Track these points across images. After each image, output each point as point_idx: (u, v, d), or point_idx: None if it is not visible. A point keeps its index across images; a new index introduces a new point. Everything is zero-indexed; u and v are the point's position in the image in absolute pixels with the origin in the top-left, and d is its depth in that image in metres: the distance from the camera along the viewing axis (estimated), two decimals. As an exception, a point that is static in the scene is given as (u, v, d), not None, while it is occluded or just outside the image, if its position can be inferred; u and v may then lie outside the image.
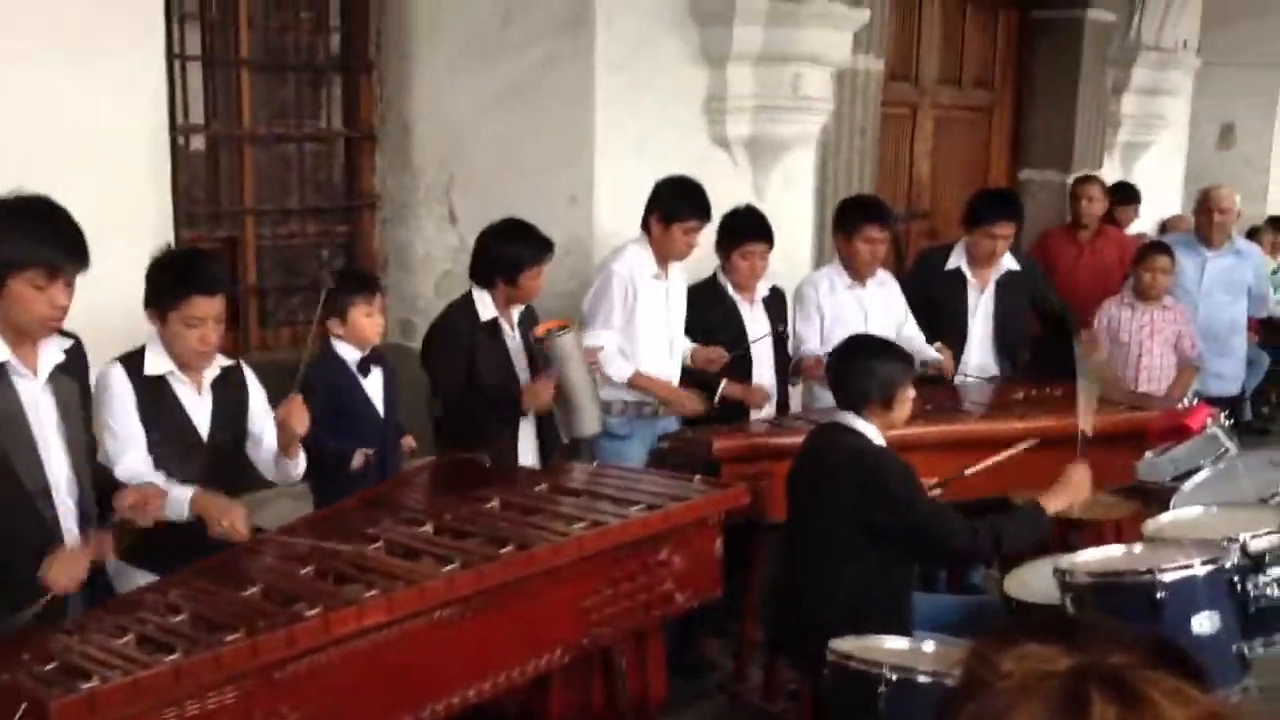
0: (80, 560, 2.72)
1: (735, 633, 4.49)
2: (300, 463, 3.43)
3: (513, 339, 4.15)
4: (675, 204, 4.40)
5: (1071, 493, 3.50)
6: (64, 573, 2.68)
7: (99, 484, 2.97)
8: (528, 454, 4.14)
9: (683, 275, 4.63)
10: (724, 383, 4.55)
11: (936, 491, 3.65)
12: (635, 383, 4.44)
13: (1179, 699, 1.02)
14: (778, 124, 5.45)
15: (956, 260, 5.28)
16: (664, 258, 4.48)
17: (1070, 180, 6.85)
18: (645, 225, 4.47)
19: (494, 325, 4.10)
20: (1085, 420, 3.73)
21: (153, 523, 2.94)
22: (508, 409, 4.04)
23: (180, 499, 3.08)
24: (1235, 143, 9.90)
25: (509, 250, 4.04)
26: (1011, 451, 3.80)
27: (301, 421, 3.28)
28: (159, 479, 3.10)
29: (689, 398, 4.50)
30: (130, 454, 3.16)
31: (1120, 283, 6.02)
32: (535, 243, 4.06)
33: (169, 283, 3.19)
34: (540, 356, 4.08)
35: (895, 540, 3.43)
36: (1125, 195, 7.56)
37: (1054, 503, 3.47)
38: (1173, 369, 5.60)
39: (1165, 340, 5.58)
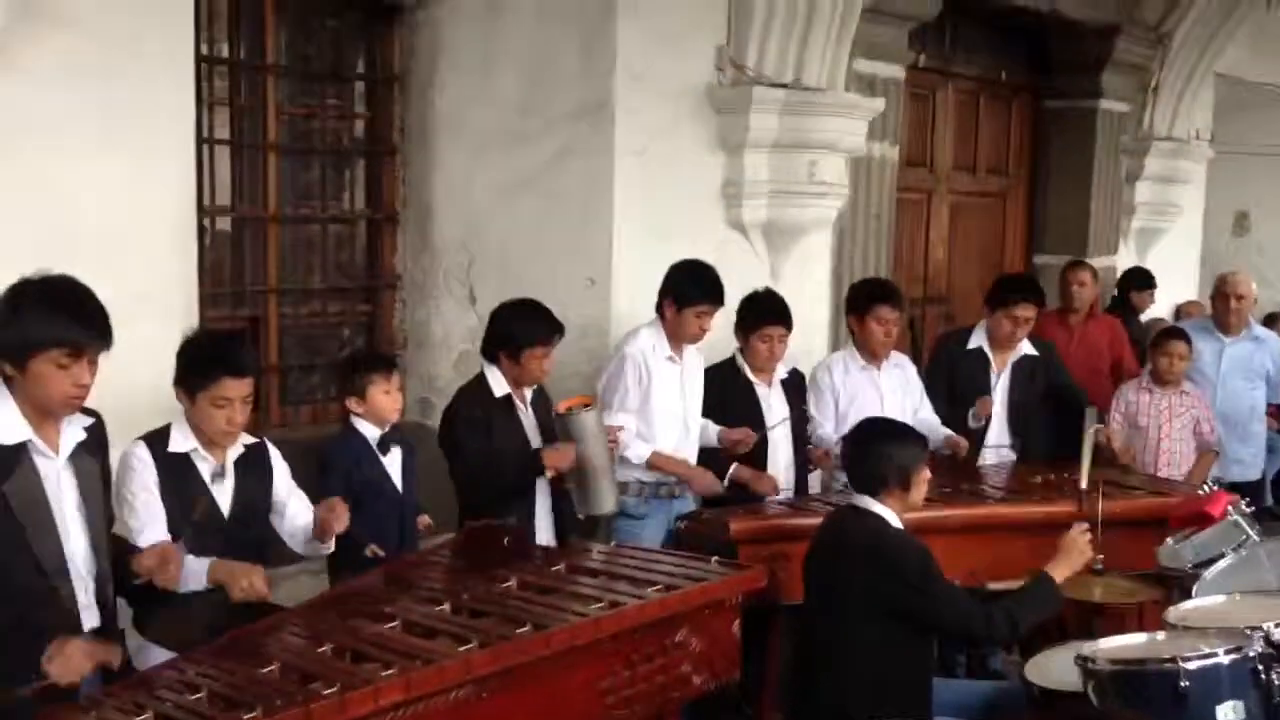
0: (82, 656, 2.66)
1: (753, 716, 4.43)
2: (330, 544, 3.48)
3: (527, 416, 4.17)
4: (687, 288, 4.44)
5: (1075, 555, 3.49)
6: (65, 666, 2.63)
7: (116, 555, 2.98)
8: (543, 531, 4.13)
9: (699, 357, 4.66)
10: (734, 466, 4.56)
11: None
12: (654, 463, 4.45)
13: None
14: (794, 209, 5.53)
15: (978, 341, 5.33)
16: (677, 340, 4.51)
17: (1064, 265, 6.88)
18: (659, 309, 4.51)
19: (508, 402, 4.12)
20: (1085, 478, 3.77)
21: (174, 583, 2.96)
22: (527, 472, 4.04)
23: (198, 569, 3.11)
24: (1249, 230, 9.97)
25: (516, 327, 4.08)
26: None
27: (341, 521, 3.38)
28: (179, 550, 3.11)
29: (710, 477, 4.50)
30: (150, 530, 3.18)
31: (1111, 366, 6.16)
32: (543, 323, 4.08)
33: (199, 364, 3.25)
34: (561, 433, 4.10)
35: (913, 623, 3.41)
36: (1141, 280, 7.61)
37: (1060, 569, 3.46)
38: (1192, 454, 5.61)
39: (1184, 425, 5.60)
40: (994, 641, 4.22)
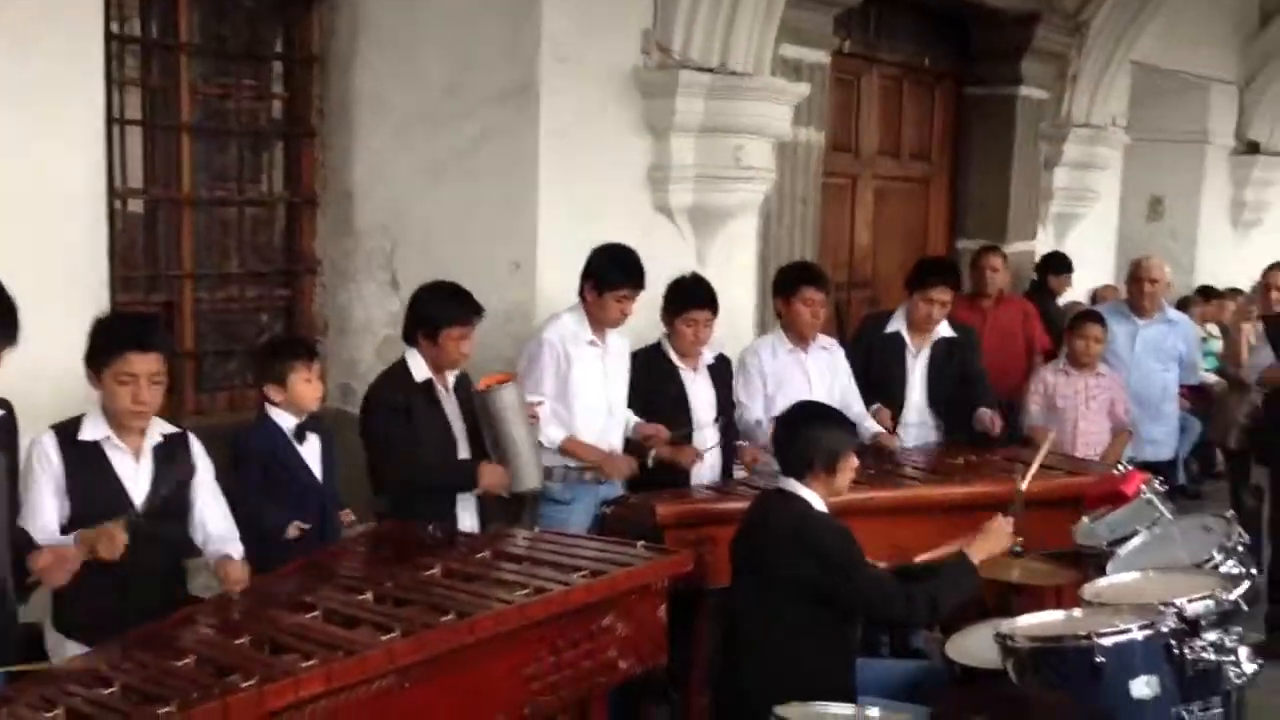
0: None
1: (680, 700, 4.44)
2: (236, 551, 3.36)
3: (449, 402, 4.12)
4: (608, 272, 4.41)
5: (995, 539, 3.54)
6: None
7: (18, 546, 2.90)
8: (466, 516, 4.10)
9: (624, 341, 4.64)
10: (656, 451, 4.54)
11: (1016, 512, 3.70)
12: (566, 448, 4.42)
13: None
14: (720, 193, 5.53)
15: (896, 325, 5.39)
16: (599, 325, 4.49)
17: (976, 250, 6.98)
18: (580, 292, 4.48)
19: (429, 387, 4.07)
20: (1024, 480, 3.84)
21: (58, 583, 2.90)
22: (460, 479, 4.01)
23: (66, 542, 3.01)
24: (1163, 215, 10.19)
25: (434, 308, 4.03)
26: (1041, 453, 4.02)
27: (241, 579, 3.23)
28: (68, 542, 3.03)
29: (622, 461, 4.48)
30: (35, 524, 3.10)
31: (1024, 347, 6.33)
32: (461, 304, 4.03)
33: (105, 339, 3.16)
34: (481, 411, 4.06)
35: (835, 606, 3.43)
36: (1059, 265, 7.76)
37: (979, 551, 3.51)
38: (1108, 434, 5.75)
39: (1100, 406, 5.74)
40: (915, 623, 4.28)
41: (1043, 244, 8.13)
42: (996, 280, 6.51)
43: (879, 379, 5.31)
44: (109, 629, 2.90)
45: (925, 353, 5.37)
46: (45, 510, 3.13)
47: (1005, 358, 6.10)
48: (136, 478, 3.23)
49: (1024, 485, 3.84)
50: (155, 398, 3.21)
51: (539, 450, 4.20)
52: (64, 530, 3.13)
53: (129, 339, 3.15)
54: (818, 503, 3.54)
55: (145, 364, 3.15)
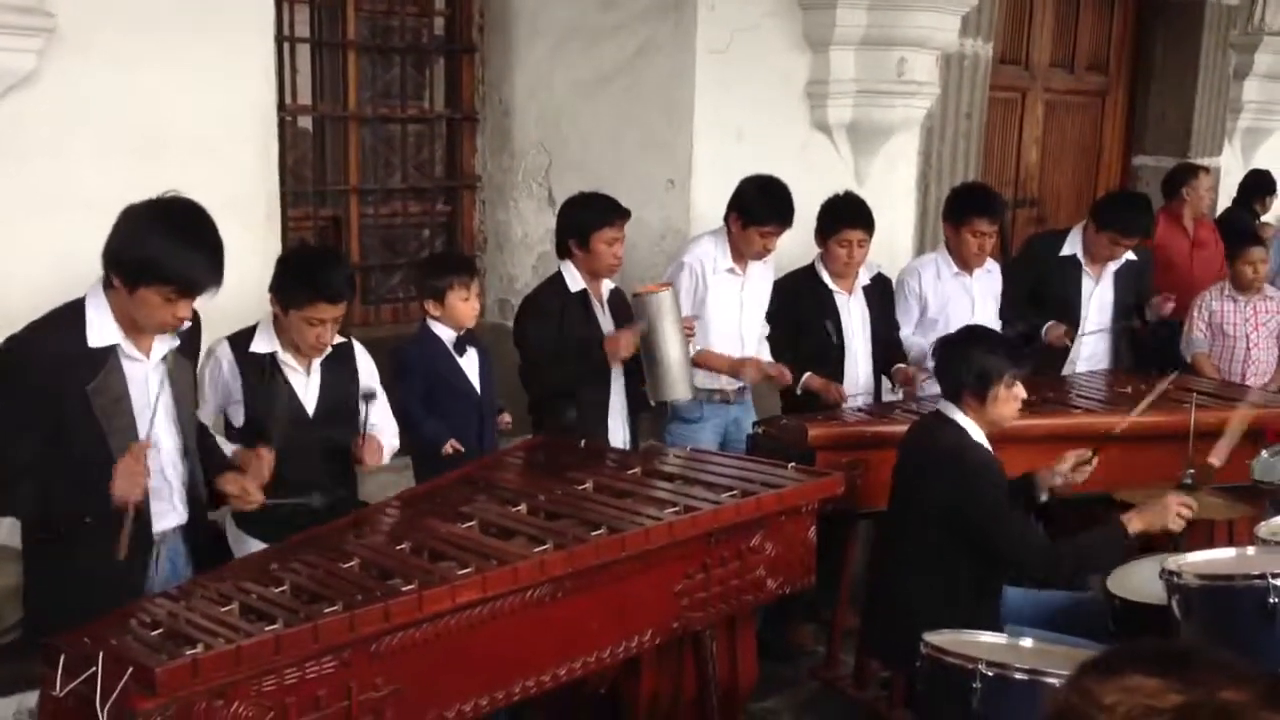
0: (133, 466, 2.73)
1: (828, 619, 4.45)
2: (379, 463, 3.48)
3: (604, 315, 4.14)
4: (756, 207, 4.30)
5: (1160, 517, 3.37)
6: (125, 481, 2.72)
7: (205, 449, 3.08)
8: (616, 424, 4.14)
9: (767, 270, 4.54)
10: (806, 375, 4.49)
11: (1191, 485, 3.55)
12: (699, 360, 4.34)
13: None
14: (881, 109, 5.37)
15: (1072, 248, 5.16)
16: (740, 255, 4.41)
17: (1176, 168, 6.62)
18: (726, 219, 4.40)
19: (584, 297, 4.10)
20: (1220, 455, 3.63)
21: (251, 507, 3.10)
22: (592, 359, 4.00)
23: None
24: (1363, 130, 9.46)
25: (581, 214, 4.06)
26: (1235, 431, 3.73)
27: (375, 459, 3.40)
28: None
29: (752, 365, 4.38)
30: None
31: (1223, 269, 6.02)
32: (606, 207, 4.05)
33: (298, 284, 3.27)
34: (638, 316, 4.05)
35: (978, 546, 3.36)
36: (1266, 185, 7.28)
37: (1138, 523, 3.36)
38: (1276, 361, 5.51)
39: (1270, 332, 5.52)
40: (1053, 580, 4.15)
41: (1228, 161, 7.67)
42: (1203, 204, 6.19)
43: (1052, 303, 5.09)
44: (283, 530, 3.05)
45: (1106, 279, 5.13)
46: (208, 416, 3.31)
47: (1208, 280, 5.82)
48: (307, 388, 3.37)
49: (1217, 460, 3.62)
50: (334, 336, 3.35)
51: (690, 363, 4.19)
52: (239, 435, 3.30)
53: (323, 290, 3.24)
54: (975, 432, 3.45)
55: (333, 312, 3.28)
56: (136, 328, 2.81)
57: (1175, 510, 3.35)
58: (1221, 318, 5.51)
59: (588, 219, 4.03)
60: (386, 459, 3.52)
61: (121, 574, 2.79)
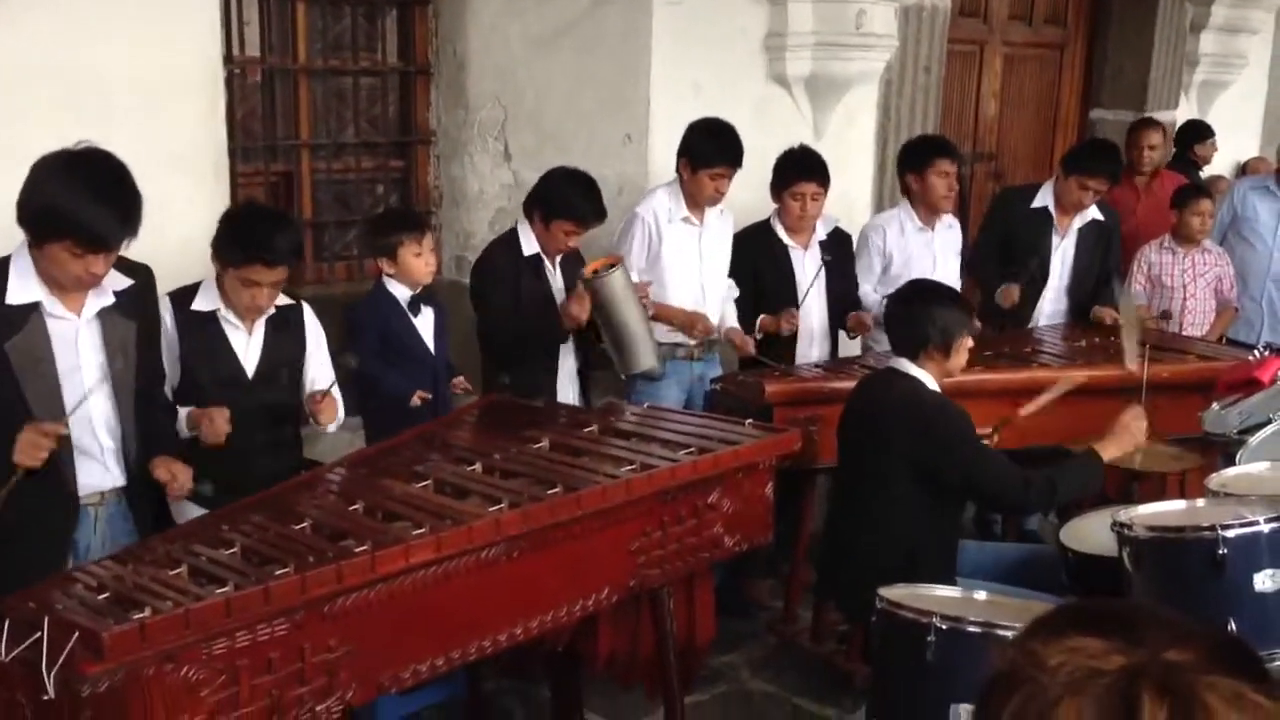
0: (37, 440, 2.67)
1: (785, 575, 4.47)
2: (334, 422, 3.46)
3: (555, 278, 4.11)
4: (703, 149, 4.26)
5: (1127, 438, 3.43)
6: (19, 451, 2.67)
7: (150, 415, 3.02)
8: (567, 388, 4.13)
9: (726, 219, 4.51)
10: (761, 316, 4.49)
11: (991, 438, 3.59)
12: (654, 313, 4.30)
13: (1238, 704, 0.94)
14: (839, 61, 5.32)
15: (1043, 200, 5.16)
16: (695, 203, 4.37)
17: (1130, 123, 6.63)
18: (677, 168, 4.36)
19: (536, 261, 4.07)
20: (1130, 358, 3.68)
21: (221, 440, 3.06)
22: (551, 328, 4.01)
23: (181, 417, 3.19)
24: (1319, 83, 9.52)
25: (557, 195, 4.00)
26: (1056, 390, 3.72)
27: (330, 417, 3.37)
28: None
29: (700, 318, 4.36)
30: None
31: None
32: (586, 205, 3.99)
33: (237, 243, 3.18)
34: (590, 298, 4.04)
35: (949, 488, 3.39)
36: (1201, 132, 7.29)
37: (1110, 449, 3.41)
38: (1213, 312, 5.60)
39: (1207, 284, 5.60)
40: (1030, 510, 4.20)
41: (1184, 114, 7.70)
42: (1154, 158, 6.19)
43: (1019, 255, 5.08)
44: (227, 496, 3.00)
45: (1072, 235, 5.13)
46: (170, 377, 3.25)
47: (1156, 234, 5.79)
48: (247, 349, 3.31)
49: (1133, 367, 3.66)
50: (273, 299, 3.27)
51: (652, 330, 4.17)
52: (175, 396, 3.24)
53: (261, 251, 3.15)
54: (930, 383, 3.47)
55: (271, 275, 3.19)
56: (59, 285, 2.75)
57: (1134, 428, 3.41)
58: (1160, 269, 5.58)
59: (560, 205, 3.97)
60: (340, 421, 3.48)
61: (43, 535, 2.75)
